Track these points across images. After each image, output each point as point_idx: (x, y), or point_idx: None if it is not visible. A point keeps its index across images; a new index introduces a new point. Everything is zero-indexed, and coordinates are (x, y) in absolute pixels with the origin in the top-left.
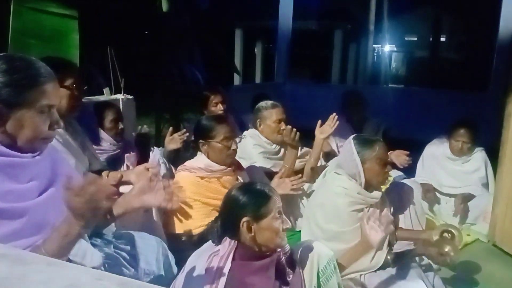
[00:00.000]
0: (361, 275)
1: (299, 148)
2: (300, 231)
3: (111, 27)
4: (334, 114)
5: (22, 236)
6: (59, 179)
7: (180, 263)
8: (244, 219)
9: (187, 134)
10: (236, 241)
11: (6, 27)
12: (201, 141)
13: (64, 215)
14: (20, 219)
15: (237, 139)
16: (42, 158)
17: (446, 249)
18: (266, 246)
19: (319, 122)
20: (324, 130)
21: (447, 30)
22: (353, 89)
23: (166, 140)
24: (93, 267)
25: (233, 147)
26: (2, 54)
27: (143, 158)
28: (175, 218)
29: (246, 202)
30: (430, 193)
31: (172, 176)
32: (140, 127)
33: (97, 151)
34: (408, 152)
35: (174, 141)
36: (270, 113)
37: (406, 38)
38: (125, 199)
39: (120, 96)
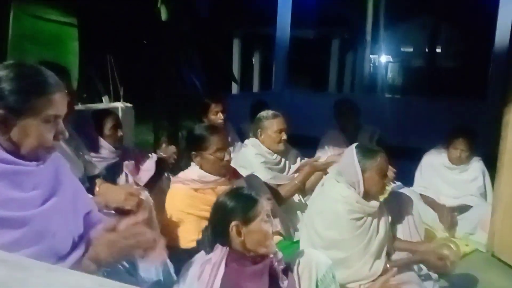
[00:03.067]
0: (360, 284)
1: (299, 159)
2: (298, 241)
3: (110, 35)
4: (334, 156)
5: (23, 245)
6: (62, 188)
7: (178, 274)
8: (233, 223)
9: (175, 151)
10: (227, 248)
11: (5, 33)
12: (193, 152)
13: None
14: (21, 229)
15: (231, 149)
16: (46, 167)
17: (445, 252)
18: (257, 250)
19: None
20: (318, 166)
21: (443, 40)
22: (345, 98)
23: (158, 152)
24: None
25: (226, 158)
26: (11, 62)
27: (156, 179)
28: (170, 232)
29: (234, 206)
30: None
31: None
32: (160, 150)
33: (96, 159)
34: (395, 170)
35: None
36: (271, 123)
37: (402, 49)
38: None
39: (119, 104)
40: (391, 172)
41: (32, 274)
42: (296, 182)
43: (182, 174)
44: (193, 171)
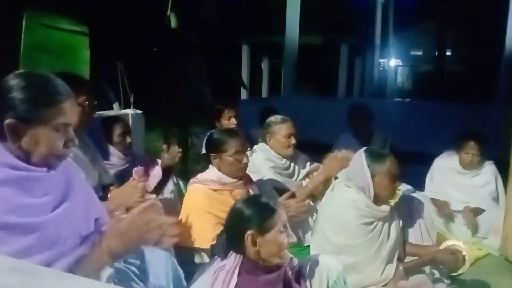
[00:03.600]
0: None
1: (309, 163)
2: (309, 246)
3: (120, 43)
4: (346, 153)
5: (34, 252)
6: (73, 193)
7: (189, 279)
8: (249, 232)
9: (180, 150)
10: (241, 256)
11: (18, 43)
12: (212, 154)
13: (97, 251)
14: (33, 235)
15: (248, 153)
16: (57, 173)
17: (458, 247)
18: (271, 261)
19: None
20: (333, 167)
21: (452, 43)
22: (359, 103)
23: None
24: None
25: (245, 160)
26: (22, 71)
27: (162, 184)
28: (187, 231)
29: (251, 215)
30: (446, 209)
31: (179, 190)
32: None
33: (106, 166)
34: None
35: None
36: (280, 128)
37: (411, 53)
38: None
39: (129, 111)
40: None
41: (44, 282)
42: (310, 186)
43: (200, 176)
44: (212, 173)
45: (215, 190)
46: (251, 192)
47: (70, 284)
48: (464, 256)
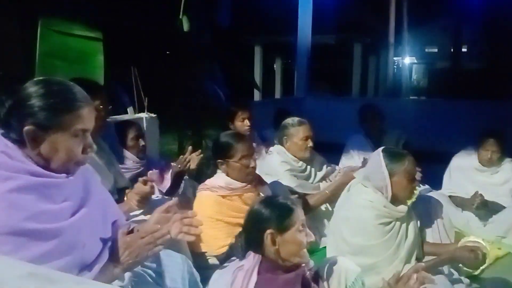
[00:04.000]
0: None
1: (325, 166)
2: (325, 247)
3: (134, 48)
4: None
5: (54, 257)
6: (91, 199)
7: (205, 283)
8: (268, 231)
9: (201, 155)
10: (260, 255)
11: (33, 50)
12: (219, 160)
13: (105, 265)
14: (52, 240)
15: (256, 156)
16: (75, 178)
17: (476, 245)
18: (290, 260)
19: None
20: (350, 175)
21: (468, 40)
22: (369, 103)
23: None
24: (120, 286)
25: (252, 165)
26: (40, 78)
27: (175, 186)
28: (198, 239)
29: (270, 214)
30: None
31: (195, 192)
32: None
33: (121, 170)
34: (419, 169)
35: (192, 161)
36: (297, 130)
37: (426, 50)
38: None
39: (144, 115)
40: (417, 173)
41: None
42: (327, 192)
43: (209, 182)
44: (220, 178)
45: (224, 197)
46: (262, 194)
47: None
48: (484, 254)
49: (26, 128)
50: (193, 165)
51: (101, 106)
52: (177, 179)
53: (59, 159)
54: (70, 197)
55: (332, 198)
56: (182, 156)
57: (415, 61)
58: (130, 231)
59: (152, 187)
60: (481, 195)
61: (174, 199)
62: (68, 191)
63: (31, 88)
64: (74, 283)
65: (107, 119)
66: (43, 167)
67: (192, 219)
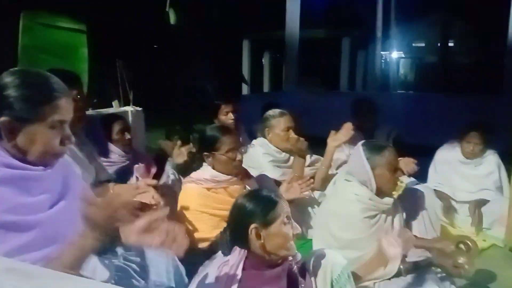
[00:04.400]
0: (375, 283)
1: (309, 156)
2: (311, 239)
3: (119, 40)
4: (350, 123)
5: (32, 249)
6: (70, 192)
7: (191, 276)
8: (253, 226)
9: (194, 148)
10: (246, 250)
11: (16, 43)
12: (205, 153)
13: (79, 228)
14: (31, 232)
15: (243, 149)
16: (54, 171)
17: (460, 261)
18: (276, 254)
19: (333, 131)
20: (337, 138)
21: (455, 34)
22: (363, 97)
23: (174, 153)
24: (102, 281)
25: (238, 157)
26: (16, 68)
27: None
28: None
29: (253, 208)
30: (447, 201)
31: (180, 187)
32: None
33: (106, 164)
34: (415, 161)
35: (181, 155)
36: (278, 121)
37: (414, 44)
38: (124, 232)
39: (129, 108)
40: (412, 164)
41: (40, 283)
42: (323, 167)
43: (194, 175)
44: (206, 171)
45: (209, 189)
46: (248, 187)
47: (68, 284)
48: (467, 270)
49: (1, 119)
50: (182, 159)
51: (80, 97)
52: (158, 163)
53: (36, 151)
54: (48, 189)
55: (328, 172)
56: (179, 148)
57: (403, 55)
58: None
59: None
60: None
61: (165, 209)
62: (46, 184)
63: (7, 78)
64: (53, 278)
65: (92, 112)
66: (20, 159)
67: (176, 236)
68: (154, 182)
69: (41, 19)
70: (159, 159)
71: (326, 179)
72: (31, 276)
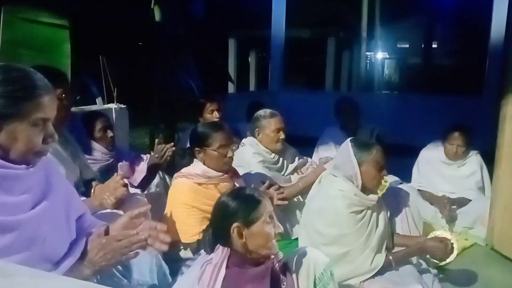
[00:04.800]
0: (361, 281)
1: (297, 158)
2: (297, 238)
3: (103, 36)
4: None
5: (13, 251)
6: (53, 191)
7: (174, 275)
8: (235, 225)
9: (174, 148)
10: (228, 249)
11: None
12: (197, 148)
13: (75, 264)
14: (12, 233)
15: (234, 146)
16: (36, 170)
17: (444, 235)
18: (258, 252)
19: (328, 157)
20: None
21: (439, 36)
22: (345, 96)
23: (155, 150)
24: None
25: (229, 154)
26: None
27: (149, 180)
28: (172, 226)
29: (236, 207)
30: (435, 199)
31: (165, 185)
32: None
33: (89, 162)
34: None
35: (161, 152)
36: (269, 122)
37: (398, 45)
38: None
39: (113, 106)
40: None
41: (15, 281)
42: (300, 184)
43: (185, 170)
44: (197, 167)
45: (200, 184)
46: (237, 185)
47: (43, 283)
48: (452, 244)
49: None
50: (167, 156)
51: (64, 95)
52: (153, 170)
53: (17, 149)
54: (30, 189)
55: (304, 190)
56: (160, 145)
57: (387, 56)
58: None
59: (126, 185)
60: (448, 199)
61: (146, 207)
62: (28, 183)
63: None
64: (30, 277)
65: (75, 109)
66: (1, 157)
67: (159, 233)
68: (134, 177)
69: (23, 13)
70: (153, 167)
71: (297, 196)
72: (6, 274)
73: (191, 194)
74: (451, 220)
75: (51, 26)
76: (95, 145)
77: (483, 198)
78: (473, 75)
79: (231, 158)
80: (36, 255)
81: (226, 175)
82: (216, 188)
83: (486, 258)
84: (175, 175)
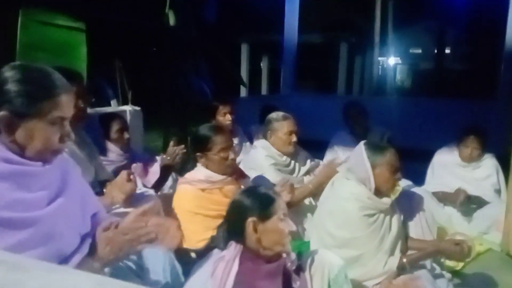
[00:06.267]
0: (373, 285)
1: (309, 160)
2: (309, 241)
3: (119, 40)
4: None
5: (29, 247)
6: (68, 189)
7: (187, 275)
8: (250, 219)
9: (183, 147)
10: (241, 245)
11: (14, 41)
12: (198, 154)
13: (85, 259)
14: (28, 229)
15: (236, 147)
16: (52, 167)
17: (460, 237)
18: (272, 249)
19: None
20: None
21: (451, 41)
22: (353, 101)
23: (167, 152)
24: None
25: (231, 156)
26: (18, 63)
27: (162, 181)
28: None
29: (252, 203)
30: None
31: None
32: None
33: (104, 163)
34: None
35: (173, 154)
36: (281, 125)
37: (411, 51)
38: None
39: (127, 108)
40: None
41: (30, 275)
42: (310, 186)
43: (188, 175)
44: (200, 172)
45: (203, 190)
46: (243, 187)
47: (58, 277)
48: (469, 246)
49: (0, 114)
50: (178, 158)
51: (81, 95)
52: (165, 172)
53: (34, 147)
54: (46, 186)
55: (315, 192)
56: (172, 147)
57: (400, 61)
58: (109, 228)
59: (135, 182)
60: (464, 190)
61: (150, 203)
62: (44, 180)
63: (8, 73)
64: (44, 271)
65: (90, 111)
66: (19, 155)
67: (167, 228)
68: (148, 179)
69: (40, 16)
70: (166, 169)
71: (307, 197)
72: (21, 269)
73: (195, 202)
74: (466, 213)
75: (67, 29)
76: (111, 146)
77: (499, 202)
78: (487, 79)
79: (234, 160)
80: (52, 251)
81: (230, 178)
82: (221, 192)
83: (501, 263)
84: (179, 180)
